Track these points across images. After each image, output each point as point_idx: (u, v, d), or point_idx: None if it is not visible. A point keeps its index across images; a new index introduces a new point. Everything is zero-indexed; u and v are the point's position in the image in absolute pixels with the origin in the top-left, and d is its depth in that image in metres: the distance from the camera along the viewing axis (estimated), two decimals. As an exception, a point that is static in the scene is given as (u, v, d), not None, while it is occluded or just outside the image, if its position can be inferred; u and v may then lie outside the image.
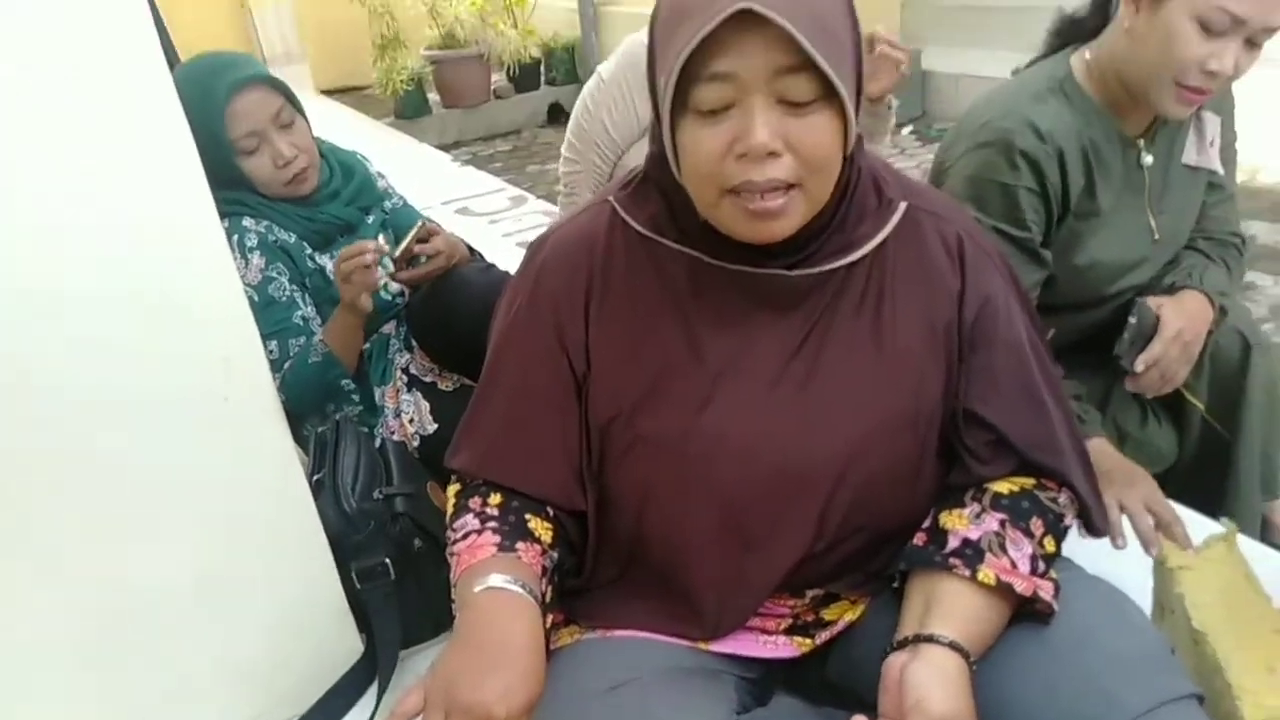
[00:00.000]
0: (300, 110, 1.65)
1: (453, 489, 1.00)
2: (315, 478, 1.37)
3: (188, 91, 1.55)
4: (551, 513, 0.96)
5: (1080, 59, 1.39)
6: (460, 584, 0.88)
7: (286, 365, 1.55)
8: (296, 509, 1.22)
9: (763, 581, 0.93)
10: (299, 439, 1.72)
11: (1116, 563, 1.05)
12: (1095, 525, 0.97)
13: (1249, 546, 1.24)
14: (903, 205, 0.93)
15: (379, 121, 5.90)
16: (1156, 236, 1.43)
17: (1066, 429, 0.95)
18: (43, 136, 0.92)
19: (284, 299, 1.58)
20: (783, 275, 0.89)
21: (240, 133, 1.53)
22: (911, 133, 4.57)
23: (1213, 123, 1.44)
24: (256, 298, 1.54)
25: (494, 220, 3.74)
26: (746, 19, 0.74)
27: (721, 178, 0.80)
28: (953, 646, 0.80)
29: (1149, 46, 1.26)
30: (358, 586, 1.31)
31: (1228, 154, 1.49)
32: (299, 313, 1.60)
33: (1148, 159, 1.40)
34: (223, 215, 1.55)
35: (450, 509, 0.98)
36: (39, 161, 0.93)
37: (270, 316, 1.54)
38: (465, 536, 0.92)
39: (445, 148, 5.60)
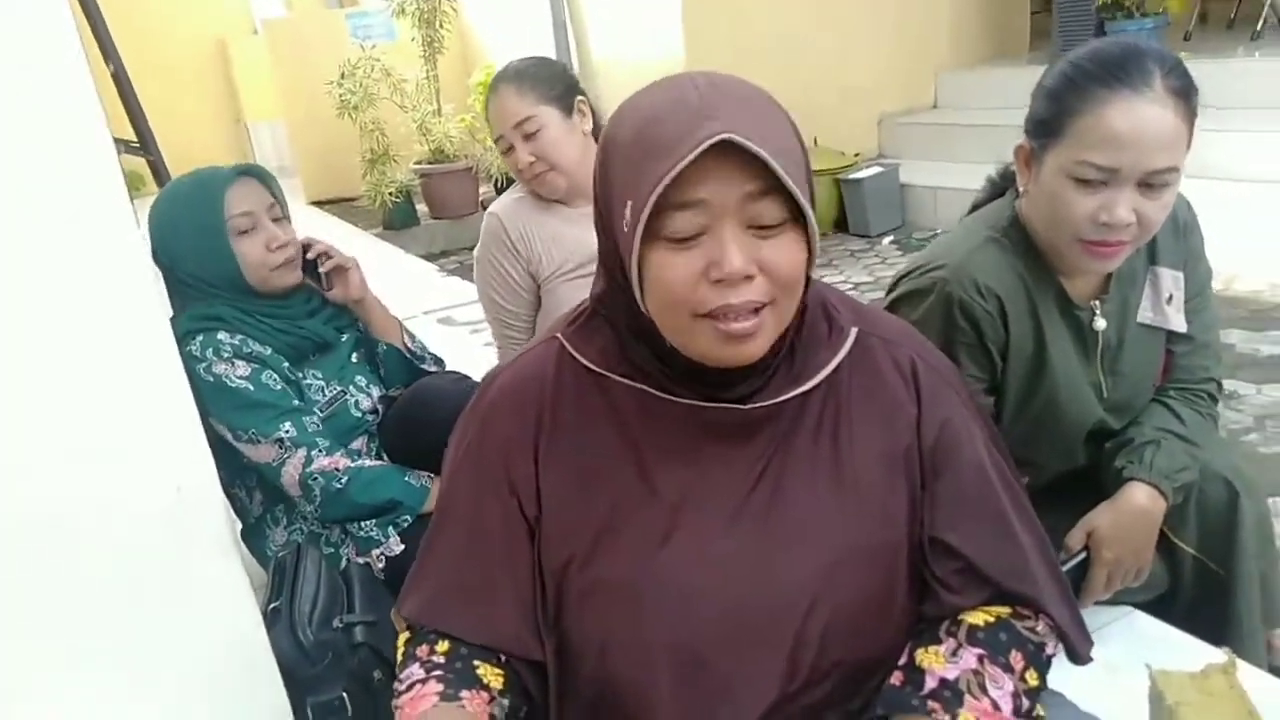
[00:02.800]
0: (288, 215, 1.68)
1: (402, 637, 0.95)
2: (272, 606, 1.31)
3: (186, 186, 1.60)
4: (504, 658, 0.91)
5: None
6: None
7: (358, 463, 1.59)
8: (247, 642, 1.15)
9: None
10: (263, 560, 1.67)
11: (1112, 696, 1.00)
12: (1078, 653, 0.92)
13: (1251, 675, 1.19)
14: (854, 332, 0.92)
15: (366, 232, 5.97)
16: (1105, 395, 1.38)
17: (1039, 552, 0.91)
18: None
19: (279, 388, 1.58)
20: (735, 408, 0.86)
21: (236, 211, 1.57)
22: (892, 242, 4.66)
23: (1169, 278, 1.36)
24: (252, 388, 1.55)
25: (475, 330, 3.73)
26: (715, 148, 0.74)
27: (695, 303, 0.79)
28: None
29: (1043, 208, 1.25)
30: (312, 724, 1.24)
31: (1198, 301, 1.39)
32: (296, 401, 1.60)
33: (1100, 323, 1.34)
34: (196, 332, 1.55)
35: (399, 657, 0.92)
36: None
37: (271, 402, 1.56)
38: (410, 687, 0.86)
39: (432, 257, 5.66)
